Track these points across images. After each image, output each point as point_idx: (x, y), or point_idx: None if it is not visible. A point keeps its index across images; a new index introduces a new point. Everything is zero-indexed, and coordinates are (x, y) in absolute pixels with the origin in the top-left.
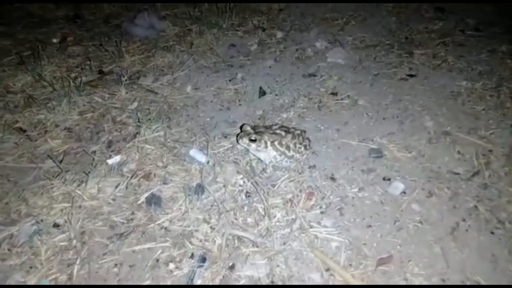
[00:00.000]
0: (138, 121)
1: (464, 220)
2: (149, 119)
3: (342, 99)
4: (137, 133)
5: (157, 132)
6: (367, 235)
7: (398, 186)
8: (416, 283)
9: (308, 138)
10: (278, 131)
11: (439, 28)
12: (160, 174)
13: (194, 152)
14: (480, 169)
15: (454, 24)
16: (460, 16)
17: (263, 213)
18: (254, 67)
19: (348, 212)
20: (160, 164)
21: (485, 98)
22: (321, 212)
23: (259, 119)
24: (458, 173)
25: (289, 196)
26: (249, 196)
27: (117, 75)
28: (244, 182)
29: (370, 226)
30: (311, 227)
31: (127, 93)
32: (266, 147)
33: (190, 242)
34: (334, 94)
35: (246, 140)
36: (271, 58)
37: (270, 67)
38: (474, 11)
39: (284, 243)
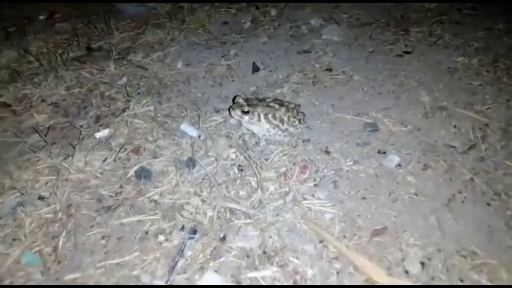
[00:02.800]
0: (128, 96)
1: (460, 192)
2: (139, 94)
3: (337, 75)
4: (126, 107)
5: (147, 106)
6: (361, 207)
7: (393, 159)
8: (411, 253)
9: (302, 112)
10: (271, 104)
11: (436, 6)
12: (150, 148)
13: (185, 126)
14: (477, 142)
15: (450, 2)
16: None
17: (255, 186)
18: (247, 44)
19: (342, 185)
20: (150, 138)
21: (481, 73)
22: (315, 185)
23: (252, 94)
24: (454, 146)
25: (283, 169)
26: (241, 169)
27: (106, 51)
28: (236, 156)
29: (364, 198)
30: (305, 199)
31: (116, 68)
32: (259, 119)
33: (181, 215)
34: (329, 70)
35: (238, 112)
36: (265, 35)
37: (264, 43)
38: None
39: (277, 215)
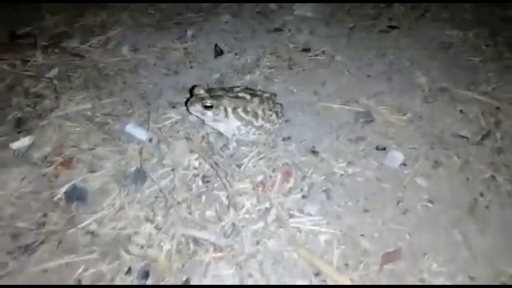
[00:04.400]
0: (55, 91)
1: (482, 194)
2: (72, 89)
3: (316, 56)
4: (55, 107)
5: (82, 104)
6: (364, 223)
7: (396, 157)
8: (436, 283)
9: (279, 104)
10: (241, 95)
11: None
12: (85, 159)
13: (131, 128)
14: (490, 130)
15: None
16: None
17: (226, 203)
18: (207, 24)
19: (336, 194)
20: (86, 145)
21: (480, 48)
22: (303, 196)
23: (216, 83)
24: (465, 137)
25: (260, 178)
26: (207, 181)
27: (34, 38)
28: (200, 163)
29: (367, 211)
30: (291, 216)
31: (45, 58)
32: (226, 115)
33: (127, 251)
34: (306, 50)
35: (199, 107)
36: (228, 13)
37: (226, 22)
38: None
39: (258, 243)
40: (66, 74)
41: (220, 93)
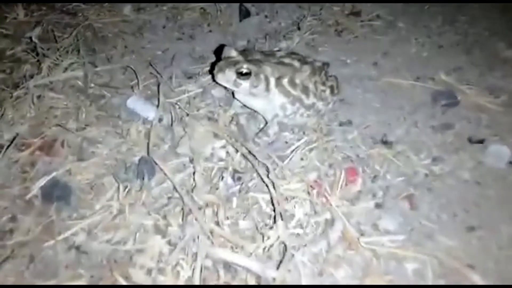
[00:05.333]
0: (36, 54)
1: None
2: (58, 51)
3: (370, 20)
4: (36, 73)
5: (71, 71)
6: (470, 247)
7: (500, 152)
8: None
9: (334, 76)
10: (287, 61)
11: None
12: (72, 142)
13: (134, 103)
14: None
15: None
16: None
17: (269, 210)
18: None
19: (423, 203)
20: (74, 124)
21: None
22: (377, 205)
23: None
24: None
25: (313, 176)
26: (239, 178)
27: None
28: (227, 153)
29: (471, 228)
30: (363, 234)
31: (27, 15)
32: (267, 88)
33: (127, 277)
34: (355, 14)
35: (231, 74)
36: None
37: None
38: None
39: (320, 273)
40: (53, 34)
41: (258, 56)
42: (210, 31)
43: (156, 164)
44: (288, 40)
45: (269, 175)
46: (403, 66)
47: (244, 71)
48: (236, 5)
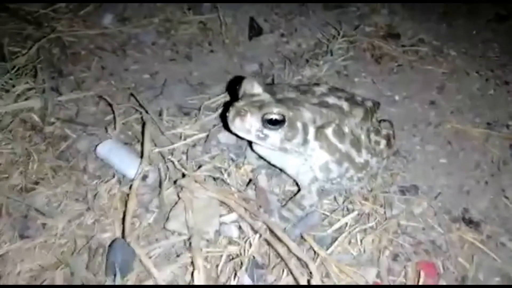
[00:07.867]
0: None
1: None
2: (9, 72)
3: (412, 46)
4: None
5: (25, 99)
6: None
7: None
8: None
9: (389, 121)
10: (331, 100)
11: None
12: (15, 209)
13: (108, 149)
14: None
15: None
16: None
17: None
18: None
19: None
20: (19, 180)
21: None
22: None
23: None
24: None
25: (371, 274)
26: (261, 276)
27: None
28: (242, 234)
29: None
30: None
31: None
32: (305, 140)
33: None
34: (394, 36)
35: (257, 120)
36: None
37: None
38: None
39: None
40: (7, 49)
41: (291, 94)
42: (212, 51)
43: (135, 253)
44: (314, 67)
45: (310, 270)
46: (467, 107)
47: (275, 117)
48: (245, 19)
